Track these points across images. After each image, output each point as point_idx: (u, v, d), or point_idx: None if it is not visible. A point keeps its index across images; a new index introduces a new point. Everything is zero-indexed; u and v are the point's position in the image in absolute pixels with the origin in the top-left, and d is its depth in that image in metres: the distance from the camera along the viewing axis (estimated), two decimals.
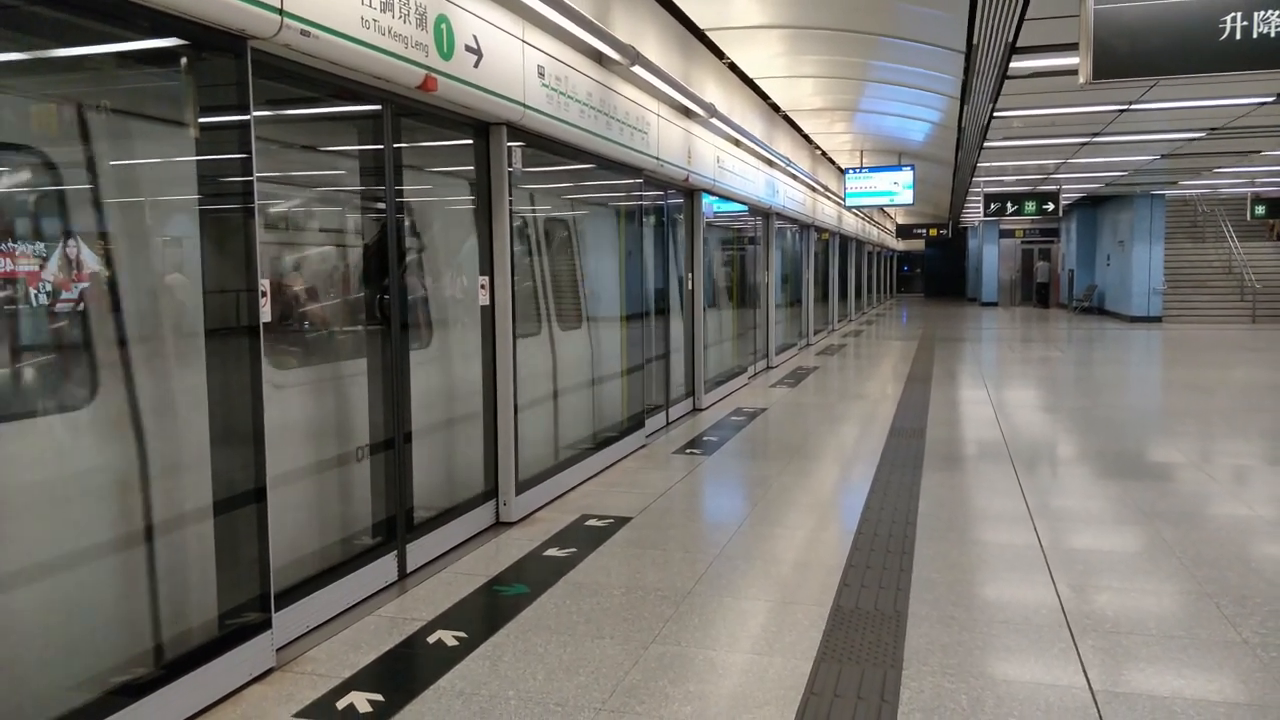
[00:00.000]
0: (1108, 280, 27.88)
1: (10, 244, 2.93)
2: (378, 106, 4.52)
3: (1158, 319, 24.37)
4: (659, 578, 4.69)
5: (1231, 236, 25.79)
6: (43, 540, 3.12)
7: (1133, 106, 10.66)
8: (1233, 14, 5.19)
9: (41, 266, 3.00)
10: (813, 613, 4.21)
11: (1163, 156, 15.71)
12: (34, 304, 3.00)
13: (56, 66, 3.25)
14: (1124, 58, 5.34)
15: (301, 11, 3.55)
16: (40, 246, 3.02)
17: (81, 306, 3.19)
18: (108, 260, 3.32)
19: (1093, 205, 28.76)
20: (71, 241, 3.16)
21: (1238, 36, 5.18)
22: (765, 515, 5.87)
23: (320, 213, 5.15)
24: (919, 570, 4.76)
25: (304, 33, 3.58)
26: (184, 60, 3.38)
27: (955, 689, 3.44)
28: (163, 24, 3.15)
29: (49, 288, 3.03)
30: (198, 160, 3.49)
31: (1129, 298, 24.88)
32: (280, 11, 3.45)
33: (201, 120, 3.47)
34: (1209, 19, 5.22)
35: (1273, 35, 5.16)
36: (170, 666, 3.26)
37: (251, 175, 3.53)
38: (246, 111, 3.50)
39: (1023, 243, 36.73)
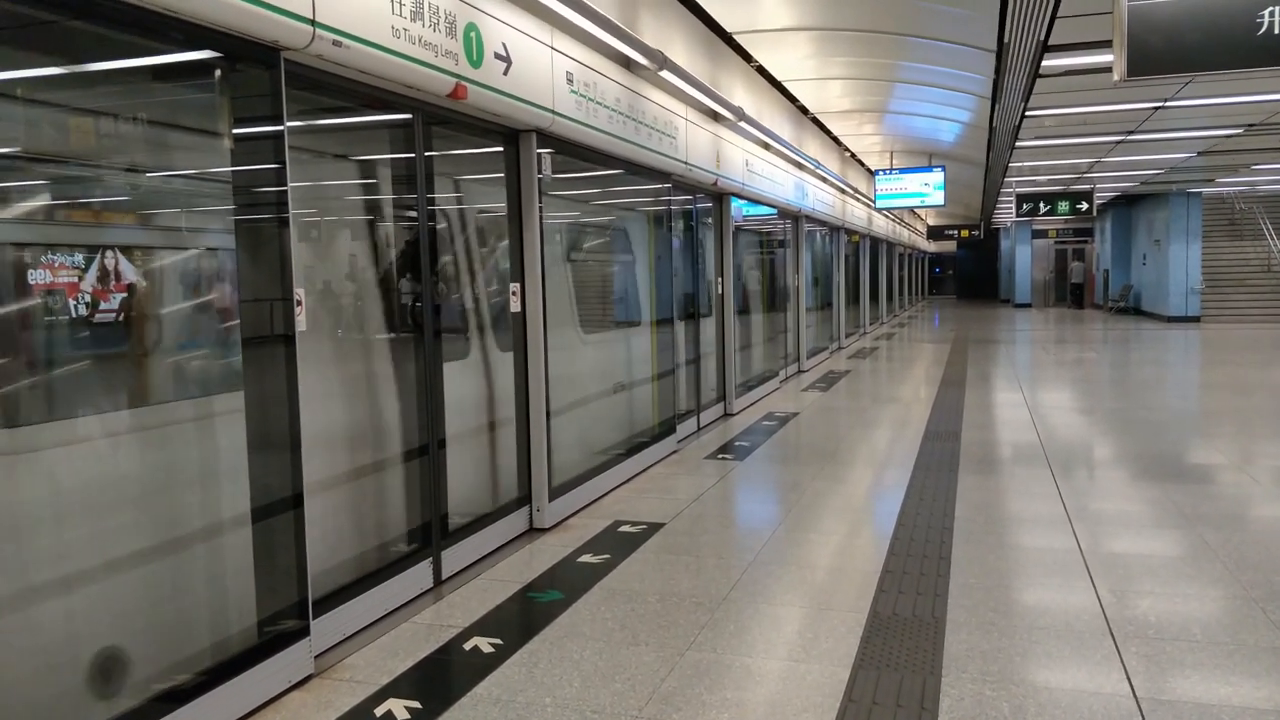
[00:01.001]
0: (1144, 280, 27.51)
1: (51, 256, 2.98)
2: (408, 115, 4.54)
3: (1196, 319, 24.00)
4: (693, 584, 4.67)
5: (1271, 234, 25.32)
6: (91, 546, 3.16)
7: (1168, 103, 10.51)
8: (1270, 8, 5.09)
9: (81, 278, 3.05)
10: (849, 619, 4.17)
11: (1199, 154, 15.48)
12: (74, 313, 3.05)
13: (93, 80, 3.29)
14: (1159, 54, 5.26)
15: (333, 22, 3.58)
16: (77, 258, 3.06)
17: (118, 316, 3.23)
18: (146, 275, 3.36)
19: (1127, 204, 28.39)
20: (110, 253, 3.20)
21: (1276, 30, 5.09)
22: (799, 521, 5.84)
23: (354, 222, 5.19)
24: (957, 575, 4.71)
25: (336, 43, 3.61)
26: (218, 72, 3.42)
27: (996, 696, 3.40)
28: (197, 37, 3.19)
29: (88, 298, 3.08)
30: (233, 170, 3.53)
31: (1166, 298, 24.52)
32: (312, 23, 3.48)
33: (236, 131, 3.50)
34: (1246, 13, 5.13)
35: None
36: (211, 673, 3.28)
37: (286, 185, 3.56)
38: (280, 122, 3.53)
39: (1056, 243, 36.34)
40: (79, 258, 3.05)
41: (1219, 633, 3.95)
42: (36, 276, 2.95)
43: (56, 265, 3.00)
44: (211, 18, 3.11)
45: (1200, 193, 23.99)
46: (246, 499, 3.54)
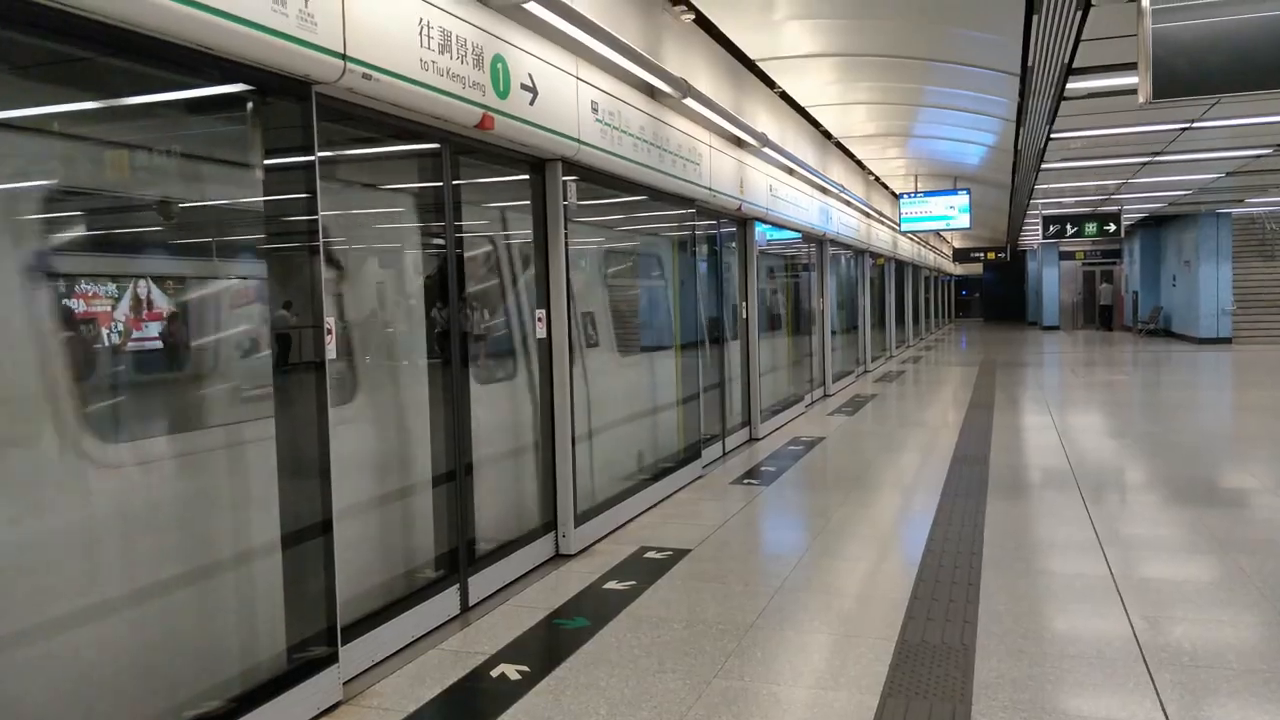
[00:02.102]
0: (1174, 301, 27.23)
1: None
2: (437, 145, 4.61)
3: (1227, 341, 23.70)
4: (720, 611, 4.66)
5: None
6: (128, 563, 3.20)
7: (1195, 125, 10.45)
8: None
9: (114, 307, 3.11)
10: (877, 646, 4.14)
11: (1228, 174, 15.35)
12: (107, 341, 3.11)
13: (131, 113, 3.37)
14: (1184, 76, 5.24)
15: (364, 55, 3.65)
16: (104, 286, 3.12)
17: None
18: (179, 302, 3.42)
19: (1156, 225, 28.15)
20: (142, 283, 3.27)
21: None
22: (826, 547, 5.81)
23: (383, 250, 5.25)
24: (986, 602, 4.66)
25: (366, 76, 3.68)
26: (250, 105, 3.49)
27: None
28: (232, 72, 3.26)
29: (121, 327, 3.14)
30: (264, 200, 3.59)
31: (1196, 319, 24.24)
32: (344, 57, 3.54)
33: (267, 162, 3.57)
34: (1271, 35, 5.11)
35: None
36: (241, 700, 3.30)
37: (316, 214, 3.61)
38: (311, 153, 3.59)
39: (1084, 265, 36.04)
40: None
41: (1255, 660, 3.89)
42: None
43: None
44: (246, 53, 3.18)
45: (1230, 213, 23.74)
46: (276, 525, 3.57)
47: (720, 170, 8.46)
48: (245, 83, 3.38)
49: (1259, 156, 13.21)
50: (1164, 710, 3.44)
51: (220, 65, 3.19)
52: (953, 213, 17.63)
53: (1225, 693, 3.59)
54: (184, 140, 3.60)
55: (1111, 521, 6.20)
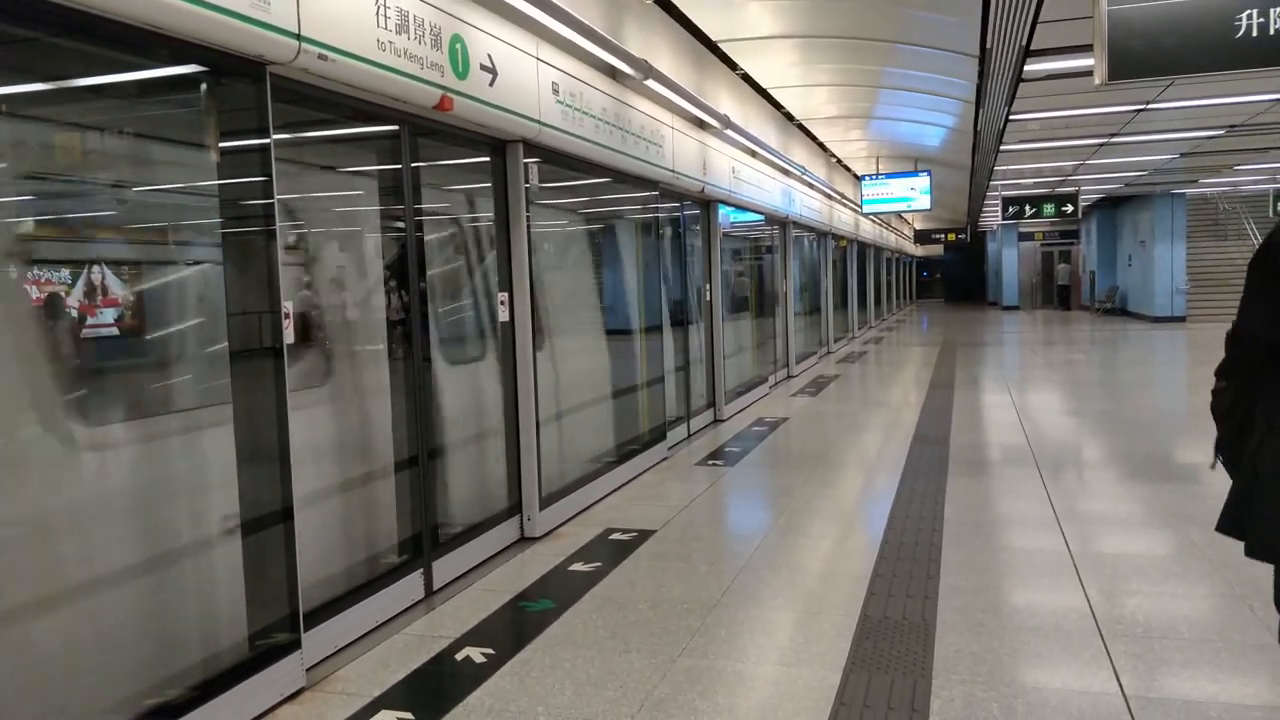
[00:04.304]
0: (1130, 281, 27.68)
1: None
2: (395, 127, 4.56)
3: (1181, 319, 24.15)
4: (684, 590, 4.69)
5: (1254, 234, 25.52)
6: (88, 557, 3.16)
7: (1150, 106, 10.60)
8: (1248, 11, 5.14)
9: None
10: (840, 623, 4.19)
11: (1182, 155, 15.60)
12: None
13: (79, 95, 3.30)
14: (1139, 58, 5.30)
15: (319, 36, 3.60)
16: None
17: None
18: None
19: (1112, 206, 28.57)
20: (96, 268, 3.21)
21: (1254, 34, 5.13)
22: (790, 525, 5.86)
23: (342, 234, 5.19)
24: (946, 578, 4.73)
25: (321, 57, 3.62)
26: (204, 86, 3.43)
27: (986, 697, 3.42)
28: (183, 52, 3.20)
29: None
30: (219, 184, 3.53)
31: (1151, 298, 24.67)
32: (298, 37, 3.49)
33: (222, 145, 3.51)
34: (1224, 17, 5.18)
35: None
36: (203, 688, 3.28)
37: (273, 198, 3.56)
38: (266, 135, 3.54)
39: (1042, 245, 36.50)
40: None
41: (1206, 630, 3.99)
42: None
43: None
44: (198, 34, 3.13)
45: (1184, 194, 24.15)
46: (236, 511, 3.54)
47: (683, 152, 8.45)
48: (198, 64, 3.32)
49: (1212, 137, 13.43)
50: (1118, 680, 3.52)
51: (172, 45, 3.12)
52: (914, 194, 17.76)
53: (1178, 663, 3.68)
54: (135, 123, 3.53)
55: (1069, 498, 6.31)
